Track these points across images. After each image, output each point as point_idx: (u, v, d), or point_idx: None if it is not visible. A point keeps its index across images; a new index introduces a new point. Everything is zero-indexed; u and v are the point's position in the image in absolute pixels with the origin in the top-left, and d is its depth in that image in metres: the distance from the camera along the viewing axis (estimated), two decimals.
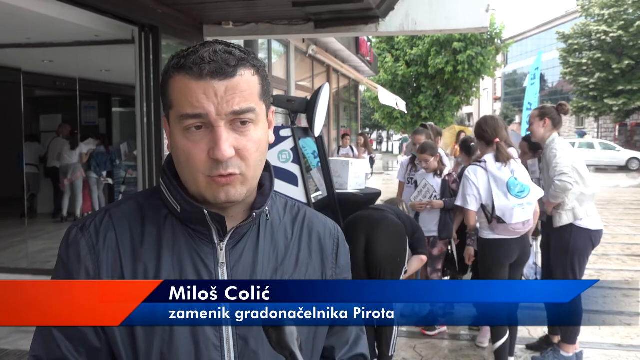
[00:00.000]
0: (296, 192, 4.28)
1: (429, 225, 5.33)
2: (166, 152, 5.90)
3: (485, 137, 4.48)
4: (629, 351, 5.09)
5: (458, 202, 4.57)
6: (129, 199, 1.25)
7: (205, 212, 1.16)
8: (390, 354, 4.13)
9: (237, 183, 1.14)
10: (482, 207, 4.37)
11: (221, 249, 1.18)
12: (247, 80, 1.13)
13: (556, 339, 4.89)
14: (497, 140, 4.43)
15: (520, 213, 4.26)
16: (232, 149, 1.10)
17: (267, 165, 1.24)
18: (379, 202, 5.07)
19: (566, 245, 4.60)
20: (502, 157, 4.37)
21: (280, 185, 4.19)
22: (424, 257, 4.53)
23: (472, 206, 4.38)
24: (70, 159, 10.29)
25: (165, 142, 5.90)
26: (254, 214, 1.19)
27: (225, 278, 1.17)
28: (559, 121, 4.78)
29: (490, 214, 4.32)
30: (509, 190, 4.27)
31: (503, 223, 4.27)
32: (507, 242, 4.35)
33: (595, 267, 7.76)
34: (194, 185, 1.15)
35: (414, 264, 4.38)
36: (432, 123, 7.92)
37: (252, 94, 1.13)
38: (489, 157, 4.40)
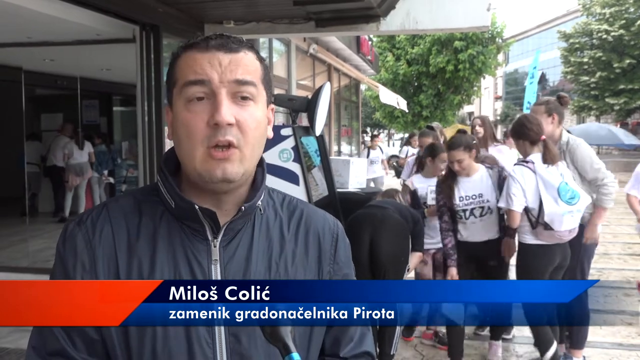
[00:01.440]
0: (297, 191, 4.28)
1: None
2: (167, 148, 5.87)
3: (531, 136, 4.16)
4: (630, 350, 5.09)
5: (501, 204, 4.23)
6: (127, 195, 1.26)
7: (196, 207, 1.16)
8: (392, 353, 4.13)
9: (234, 159, 1.14)
10: (526, 210, 4.12)
11: (215, 246, 1.19)
12: (250, 58, 1.17)
13: (562, 347, 4.72)
14: (544, 137, 4.15)
15: (569, 220, 4.00)
16: (232, 116, 1.12)
17: (261, 161, 1.24)
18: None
19: (578, 246, 4.40)
20: (550, 157, 4.09)
21: (281, 184, 4.19)
22: (420, 255, 4.51)
23: (517, 207, 4.09)
24: (81, 158, 10.32)
25: (167, 141, 5.90)
26: (244, 207, 1.19)
27: (219, 275, 1.17)
28: (563, 115, 4.57)
29: (535, 219, 4.07)
30: (560, 196, 4.00)
31: (550, 230, 4.02)
32: (550, 248, 4.12)
33: (596, 266, 7.74)
34: (192, 162, 1.15)
35: (412, 261, 4.38)
36: (438, 123, 7.85)
37: (255, 70, 1.17)
38: (536, 157, 4.12)
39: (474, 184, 4.40)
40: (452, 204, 4.45)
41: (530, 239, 4.16)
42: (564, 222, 3.99)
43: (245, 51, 1.16)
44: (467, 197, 4.38)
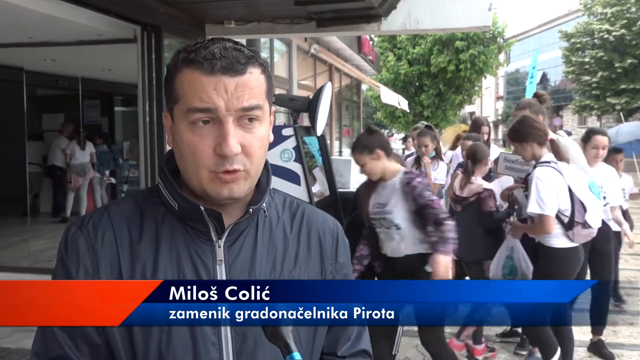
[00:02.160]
0: (298, 191, 4.27)
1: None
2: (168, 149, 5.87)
3: (540, 137, 3.92)
4: (631, 350, 5.09)
5: (532, 209, 3.84)
6: (127, 197, 1.26)
7: (202, 208, 1.16)
8: (394, 353, 4.12)
9: (240, 180, 1.14)
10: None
11: (219, 246, 1.18)
12: (255, 78, 1.14)
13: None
14: (550, 137, 3.97)
15: (601, 216, 3.92)
16: (238, 145, 1.11)
17: (265, 163, 1.24)
18: None
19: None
20: (563, 155, 3.90)
21: (282, 184, 4.19)
22: None
23: (552, 211, 3.78)
24: (83, 158, 10.32)
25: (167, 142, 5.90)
26: (251, 209, 1.19)
27: (224, 275, 1.17)
28: (546, 114, 4.42)
29: (569, 219, 3.81)
30: (592, 192, 3.86)
31: (589, 228, 3.81)
32: (579, 249, 3.93)
33: None
34: (196, 180, 1.15)
35: None
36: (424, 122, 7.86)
37: (260, 91, 1.15)
38: (550, 158, 3.90)
39: (385, 191, 3.84)
40: (367, 212, 3.91)
41: (564, 243, 3.88)
42: (599, 217, 3.90)
43: (251, 70, 1.13)
44: (376, 205, 3.85)
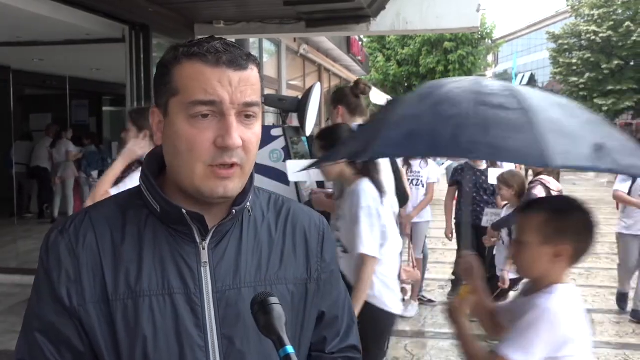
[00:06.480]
0: (287, 191, 4.28)
1: None
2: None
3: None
4: (617, 349, 5.13)
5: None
6: (109, 200, 1.24)
7: (184, 211, 1.14)
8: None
9: (236, 177, 1.13)
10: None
11: (203, 248, 1.16)
12: (255, 75, 1.15)
13: None
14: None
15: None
16: (240, 139, 1.10)
17: None
18: None
19: None
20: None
21: (271, 184, 4.19)
22: None
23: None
24: (58, 157, 10.26)
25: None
26: (235, 210, 1.17)
27: (209, 277, 1.15)
28: (357, 106, 3.55)
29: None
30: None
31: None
32: None
33: (584, 266, 7.80)
34: (190, 177, 1.12)
35: None
36: None
37: (258, 89, 1.15)
38: None
39: None
40: None
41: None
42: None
43: (252, 67, 1.13)
44: None
